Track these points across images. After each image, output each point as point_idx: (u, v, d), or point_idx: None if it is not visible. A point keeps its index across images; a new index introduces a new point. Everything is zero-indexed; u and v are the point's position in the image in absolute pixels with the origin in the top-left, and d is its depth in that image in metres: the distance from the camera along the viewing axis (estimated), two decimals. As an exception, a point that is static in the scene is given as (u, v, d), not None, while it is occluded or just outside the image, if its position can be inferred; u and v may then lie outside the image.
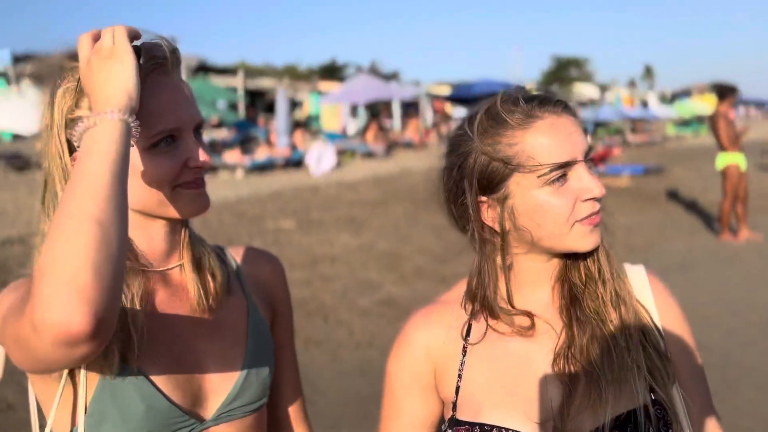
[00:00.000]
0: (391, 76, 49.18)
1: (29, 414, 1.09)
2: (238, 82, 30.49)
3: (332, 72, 51.33)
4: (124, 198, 0.86)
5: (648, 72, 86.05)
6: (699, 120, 35.78)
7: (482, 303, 1.11)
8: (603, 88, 54.90)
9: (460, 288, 1.19)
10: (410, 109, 29.68)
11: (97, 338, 0.78)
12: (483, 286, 1.11)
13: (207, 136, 19.63)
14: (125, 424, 0.99)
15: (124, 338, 1.00)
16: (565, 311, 1.09)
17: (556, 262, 1.12)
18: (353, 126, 26.89)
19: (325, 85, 34.11)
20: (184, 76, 1.10)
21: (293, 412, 1.33)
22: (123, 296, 1.00)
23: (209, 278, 1.13)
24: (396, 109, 28.57)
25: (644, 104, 41.47)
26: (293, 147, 19.16)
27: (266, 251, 1.31)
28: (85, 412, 0.99)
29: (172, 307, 1.10)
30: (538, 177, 1.02)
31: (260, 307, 1.21)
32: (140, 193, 1.03)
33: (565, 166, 1.02)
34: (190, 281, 1.11)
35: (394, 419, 1.17)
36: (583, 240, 1.05)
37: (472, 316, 1.13)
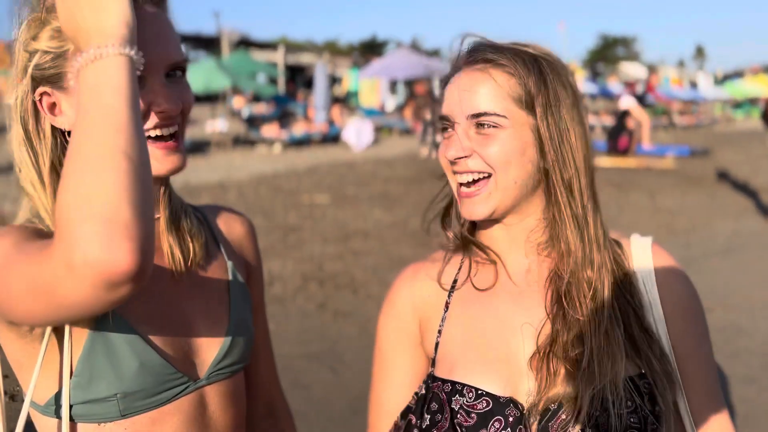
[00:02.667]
0: (433, 53, 48.68)
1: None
2: (278, 57, 30.63)
3: (372, 48, 51.13)
4: (143, 135, 0.78)
5: (699, 52, 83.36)
6: (752, 102, 34.49)
7: (457, 237, 1.14)
8: (651, 68, 53.37)
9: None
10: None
11: (139, 278, 0.72)
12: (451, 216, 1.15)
13: (246, 109, 19.74)
14: (119, 381, 0.93)
15: None
16: (550, 293, 1.05)
17: (517, 232, 1.08)
18: (392, 102, 26.71)
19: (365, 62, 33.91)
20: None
21: (267, 371, 1.29)
22: None
23: (188, 238, 1.08)
24: (436, 86, 28.27)
25: (693, 85, 40.15)
26: (331, 122, 19.16)
27: (238, 211, 1.26)
28: (71, 373, 0.93)
29: None
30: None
31: (237, 267, 1.17)
32: None
33: (446, 120, 1.07)
34: (164, 238, 1.05)
35: (384, 378, 1.16)
36: (463, 206, 1.06)
37: (459, 271, 1.13)
